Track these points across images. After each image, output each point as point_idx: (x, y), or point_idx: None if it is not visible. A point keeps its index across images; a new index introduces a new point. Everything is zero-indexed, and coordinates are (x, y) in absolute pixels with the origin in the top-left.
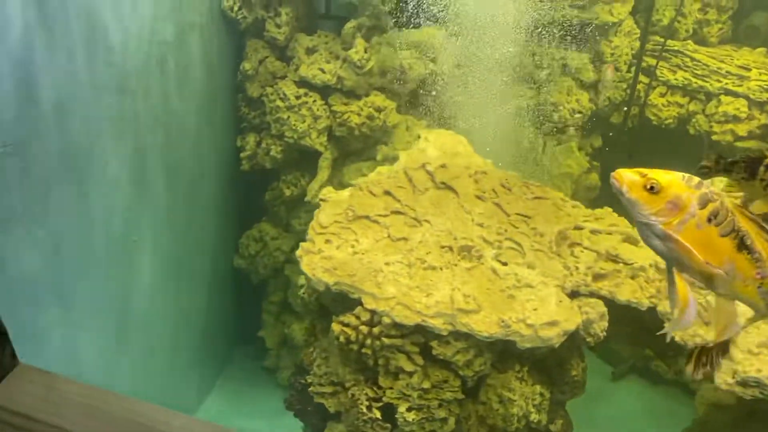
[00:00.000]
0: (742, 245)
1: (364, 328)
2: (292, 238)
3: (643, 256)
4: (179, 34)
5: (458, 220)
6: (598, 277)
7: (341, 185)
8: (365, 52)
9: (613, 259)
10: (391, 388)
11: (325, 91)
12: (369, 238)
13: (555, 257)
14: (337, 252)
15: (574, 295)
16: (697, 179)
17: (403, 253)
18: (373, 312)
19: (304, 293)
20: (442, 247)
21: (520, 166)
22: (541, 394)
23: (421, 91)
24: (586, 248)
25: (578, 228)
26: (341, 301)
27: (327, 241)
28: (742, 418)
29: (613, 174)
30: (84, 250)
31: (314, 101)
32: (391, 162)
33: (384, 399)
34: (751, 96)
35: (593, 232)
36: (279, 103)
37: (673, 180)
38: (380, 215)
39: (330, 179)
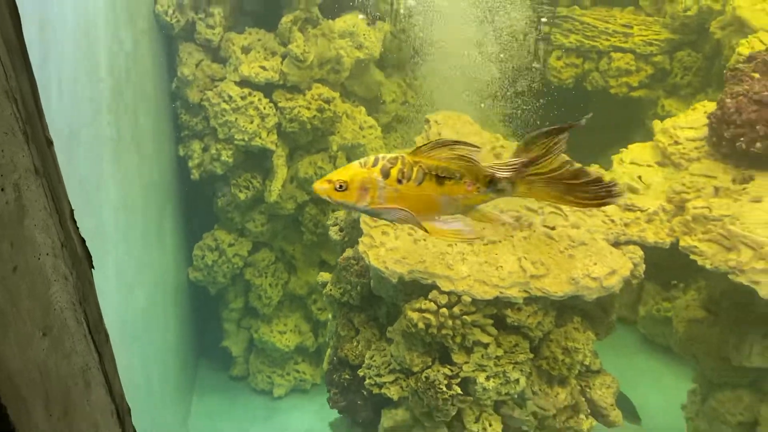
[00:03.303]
0: (441, 179)
1: (444, 311)
2: (248, 241)
3: (649, 202)
4: (135, 43)
5: None
6: (626, 225)
7: (297, 182)
8: (305, 45)
9: (630, 208)
10: (466, 362)
11: (267, 89)
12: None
13: (592, 214)
14: (399, 242)
15: (615, 244)
16: (372, 158)
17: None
18: (450, 293)
19: (330, 291)
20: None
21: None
22: (592, 340)
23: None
24: None
25: None
26: (403, 289)
27: (384, 233)
28: (726, 328)
29: (314, 187)
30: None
31: (259, 100)
32: (347, 152)
33: (461, 374)
34: (637, 50)
35: None
36: (224, 105)
37: (351, 172)
38: None
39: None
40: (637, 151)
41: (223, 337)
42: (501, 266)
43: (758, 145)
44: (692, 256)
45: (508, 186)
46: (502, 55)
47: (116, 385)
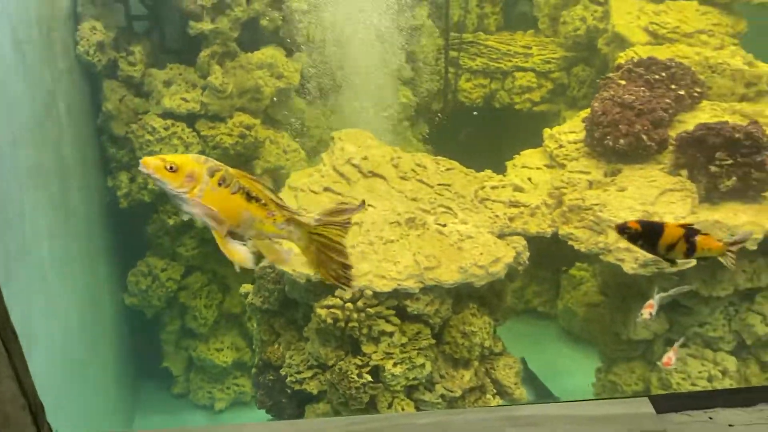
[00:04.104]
0: (250, 197)
1: (349, 305)
2: (180, 266)
3: (533, 198)
4: (56, 81)
5: (395, 199)
6: (511, 219)
7: None
8: (223, 76)
9: (515, 204)
10: (375, 352)
11: (190, 119)
12: None
13: (479, 211)
14: None
15: (501, 236)
16: (204, 157)
17: (362, 235)
18: (354, 289)
19: (252, 300)
20: (392, 223)
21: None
22: (489, 323)
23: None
24: (494, 200)
25: (482, 187)
26: (313, 290)
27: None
28: (615, 306)
29: (141, 161)
30: None
31: (182, 130)
32: (272, 175)
33: (371, 363)
34: (537, 69)
35: (493, 187)
36: (148, 137)
37: (185, 159)
38: None
39: None
40: (528, 156)
41: (162, 357)
42: (398, 261)
43: (622, 141)
44: (570, 242)
45: (296, 232)
46: (416, 80)
47: (27, 382)
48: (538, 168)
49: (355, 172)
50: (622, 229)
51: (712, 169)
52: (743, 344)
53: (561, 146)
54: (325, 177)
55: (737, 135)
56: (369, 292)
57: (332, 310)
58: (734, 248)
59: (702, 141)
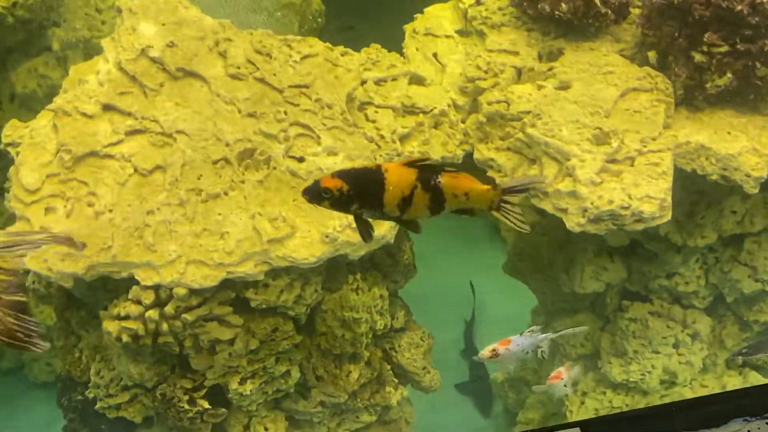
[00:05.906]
0: None
1: (152, 314)
2: None
3: (438, 96)
4: None
5: (220, 118)
6: (404, 138)
7: (19, 100)
8: None
9: (410, 110)
10: (210, 366)
11: None
12: (109, 183)
13: (354, 130)
14: (71, 222)
15: None
16: None
17: (167, 190)
18: (157, 287)
19: (34, 284)
20: (215, 162)
21: (234, 15)
22: (381, 296)
23: None
24: (378, 106)
25: (362, 82)
26: (101, 287)
27: (48, 211)
28: (555, 242)
29: None
30: None
31: None
32: (82, 50)
33: (206, 383)
34: None
35: (379, 82)
36: None
37: None
38: (112, 144)
39: None
40: (435, 16)
41: None
42: (227, 232)
43: (564, 6)
44: (490, 173)
45: None
46: None
47: None
48: (447, 36)
49: (157, 72)
50: (316, 195)
51: (697, 57)
52: (721, 298)
53: (479, 2)
54: (105, 85)
55: (738, 7)
56: (181, 291)
57: (126, 323)
58: (513, 198)
59: (683, 12)
